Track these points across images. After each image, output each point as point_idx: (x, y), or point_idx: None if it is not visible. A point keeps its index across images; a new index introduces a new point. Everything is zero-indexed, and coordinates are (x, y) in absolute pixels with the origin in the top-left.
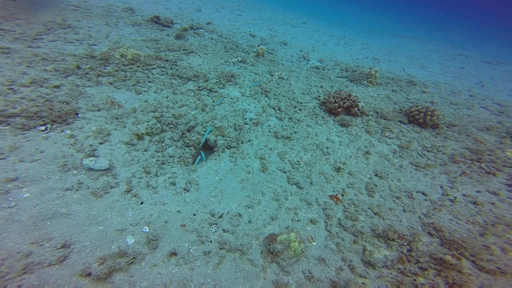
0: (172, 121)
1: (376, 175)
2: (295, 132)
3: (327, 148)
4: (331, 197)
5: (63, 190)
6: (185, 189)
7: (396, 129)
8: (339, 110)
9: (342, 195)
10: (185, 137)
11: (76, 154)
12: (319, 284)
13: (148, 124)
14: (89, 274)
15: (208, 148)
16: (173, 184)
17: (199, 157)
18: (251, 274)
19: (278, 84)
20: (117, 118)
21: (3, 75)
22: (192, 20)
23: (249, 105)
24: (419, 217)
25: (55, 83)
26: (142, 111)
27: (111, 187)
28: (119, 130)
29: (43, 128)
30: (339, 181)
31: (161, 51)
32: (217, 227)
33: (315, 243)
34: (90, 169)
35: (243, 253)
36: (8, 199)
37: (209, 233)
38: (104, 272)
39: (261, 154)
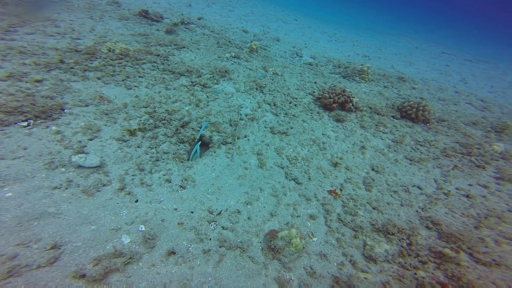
0: (165, 117)
1: (372, 169)
2: (291, 128)
3: (323, 143)
4: (330, 192)
5: (50, 189)
6: (181, 186)
7: (390, 124)
8: (334, 105)
9: (341, 190)
10: (179, 133)
11: (63, 150)
12: (321, 280)
13: (141, 120)
14: (83, 276)
15: (203, 144)
16: (169, 181)
17: (194, 149)
18: (252, 272)
19: (272, 80)
20: (107, 114)
21: None
22: (182, 15)
23: (244, 100)
24: (416, 211)
25: (36, 77)
26: (133, 106)
27: (103, 185)
28: (110, 126)
29: (25, 123)
30: (336, 176)
31: (151, 45)
32: (216, 225)
33: (316, 238)
34: (80, 167)
35: (243, 251)
36: None
37: (208, 230)
38: (100, 273)
39: (258, 149)
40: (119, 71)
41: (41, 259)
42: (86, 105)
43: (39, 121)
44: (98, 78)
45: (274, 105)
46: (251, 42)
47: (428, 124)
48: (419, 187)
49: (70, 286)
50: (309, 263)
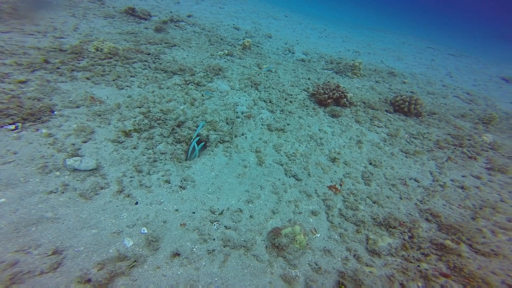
0: (160, 117)
1: (370, 163)
2: (288, 124)
3: (320, 138)
4: (330, 187)
5: (46, 193)
6: (181, 186)
7: (384, 118)
8: (329, 101)
9: (340, 185)
10: (176, 132)
11: (57, 154)
12: (327, 275)
13: (135, 120)
14: (89, 280)
15: (200, 143)
16: (168, 182)
17: (191, 147)
18: (258, 270)
19: (267, 77)
20: (100, 115)
21: None
22: (171, 12)
23: (239, 98)
24: (415, 203)
25: (19, 78)
26: (127, 106)
27: (101, 188)
28: (104, 128)
29: (12, 127)
30: (335, 171)
31: (141, 44)
32: (219, 224)
33: (319, 234)
34: (75, 170)
35: (247, 249)
36: None
37: (211, 230)
38: (105, 277)
39: (256, 147)
40: (109, 71)
41: (43, 265)
42: (77, 107)
43: (27, 124)
44: (87, 78)
45: (270, 102)
46: (244, 39)
47: (420, 117)
48: (416, 180)
49: None
50: (314, 259)
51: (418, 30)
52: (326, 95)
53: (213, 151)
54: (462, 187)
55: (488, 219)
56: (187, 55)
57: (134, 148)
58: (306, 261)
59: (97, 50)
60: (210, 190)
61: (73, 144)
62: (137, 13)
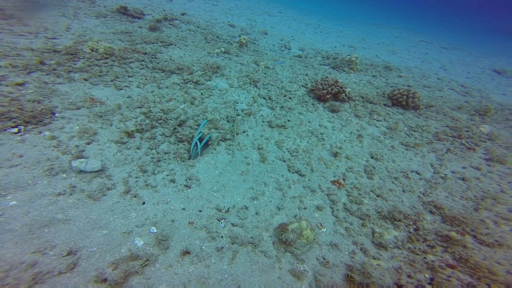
0: (161, 116)
1: (372, 157)
2: (288, 120)
3: (321, 134)
4: (333, 182)
5: (55, 195)
6: (186, 185)
7: (383, 112)
8: (328, 96)
9: (344, 179)
10: (177, 132)
11: (62, 156)
12: (335, 269)
13: (137, 121)
14: (105, 280)
15: (201, 140)
16: (173, 181)
17: (193, 144)
18: (266, 266)
19: (265, 73)
20: (101, 116)
21: None
22: (164, 10)
23: (239, 96)
24: (418, 196)
25: (16, 80)
26: (127, 107)
27: (108, 189)
28: (106, 129)
29: (15, 130)
30: (338, 166)
31: (136, 44)
32: (226, 222)
33: (325, 229)
34: (81, 171)
35: (255, 246)
36: None
37: (219, 228)
38: (120, 277)
39: (258, 144)
40: (106, 71)
41: (61, 266)
42: (78, 108)
43: (30, 127)
44: (85, 80)
45: (269, 99)
46: (239, 36)
47: (418, 110)
48: (417, 172)
49: None
50: (321, 253)
51: (411, 24)
52: (325, 91)
53: (215, 149)
54: (463, 179)
55: (490, 210)
56: (184, 54)
57: (138, 148)
58: (314, 256)
59: (93, 50)
60: (215, 188)
61: (77, 146)
62: (130, 12)
